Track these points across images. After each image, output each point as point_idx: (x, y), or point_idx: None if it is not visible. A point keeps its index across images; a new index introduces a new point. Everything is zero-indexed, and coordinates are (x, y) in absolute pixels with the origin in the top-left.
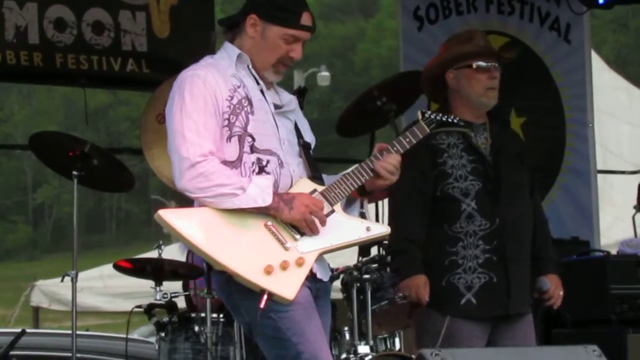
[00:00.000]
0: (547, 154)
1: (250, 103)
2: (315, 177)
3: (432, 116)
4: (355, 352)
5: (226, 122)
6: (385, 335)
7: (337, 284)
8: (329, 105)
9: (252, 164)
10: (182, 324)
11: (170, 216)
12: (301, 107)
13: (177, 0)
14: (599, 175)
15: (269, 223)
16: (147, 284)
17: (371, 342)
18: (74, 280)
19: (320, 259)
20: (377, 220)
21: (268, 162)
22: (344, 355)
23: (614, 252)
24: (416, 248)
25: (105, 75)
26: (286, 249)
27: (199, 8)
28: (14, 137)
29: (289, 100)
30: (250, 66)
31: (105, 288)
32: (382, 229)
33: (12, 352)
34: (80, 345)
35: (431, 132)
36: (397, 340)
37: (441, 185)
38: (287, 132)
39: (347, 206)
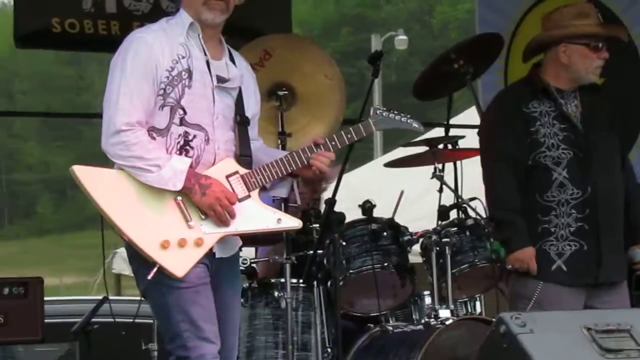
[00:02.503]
0: (626, 115)
1: (190, 76)
2: (244, 156)
3: (384, 114)
4: (436, 316)
5: (162, 92)
6: (466, 299)
7: (416, 247)
8: (406, 69)
9: (179, 136)
10: (262, 289)
11: (82, 173)
12: (377, 72)
13: None
14: None
15: (179, 199)
16: None
17: (452, 306)
18: None
19: (225, 237)
20: (455, 187)
21: (195, 136)
22: (424, 320)
23: None
24: (520, 217)
25: None
26: (189, 227)
27: None
28: (94, 106)
29: (236, 75)
30: (199, 35)
31: None
32: (293, 222)
33: (94, 319)
34: None
35: (378, 130)
36: (477, 304)
37: (533, 154)
38: (224, 106)
39: (278, 181)
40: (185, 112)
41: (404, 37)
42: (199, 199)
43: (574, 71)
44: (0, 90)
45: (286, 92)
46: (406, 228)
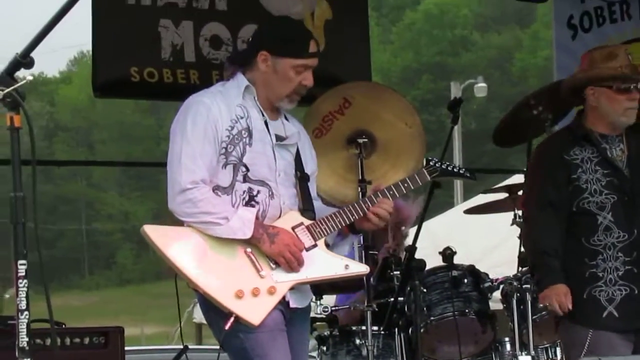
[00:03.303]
0: None
1: (250, 134)
2: (307, 210)
3: (437, 165)
4: None
5: (223, 151)
6: (547, 345)
7: (497, 294)
8: (486, 116)
9: (244, 192)
10: (343, 337)
11: (153, 232)
12: (457, 118)
13: (331, 15)
14: None
15: (249, 250)
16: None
17: (532, 352)
18: None
19: (298, 287)
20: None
21: (259, 192)
22: None
23: None
24: (553, 259)
25: None
26: (261, 276)
27: (353, 21)
28: None
29: (293, 132)
30: (255, 98)
31: None
32: (360, 268)
33: None
34: None
35: (432, 179)
36: (558, 350)
37: (577, 201)
38: (285, 163)
39: (339, 240)
40: (248, 169)
41: (483, 85)
42: (268, 247)
43: (604, 115)
44: (80, 140)
45: (366, 140)
46: (486, 275)
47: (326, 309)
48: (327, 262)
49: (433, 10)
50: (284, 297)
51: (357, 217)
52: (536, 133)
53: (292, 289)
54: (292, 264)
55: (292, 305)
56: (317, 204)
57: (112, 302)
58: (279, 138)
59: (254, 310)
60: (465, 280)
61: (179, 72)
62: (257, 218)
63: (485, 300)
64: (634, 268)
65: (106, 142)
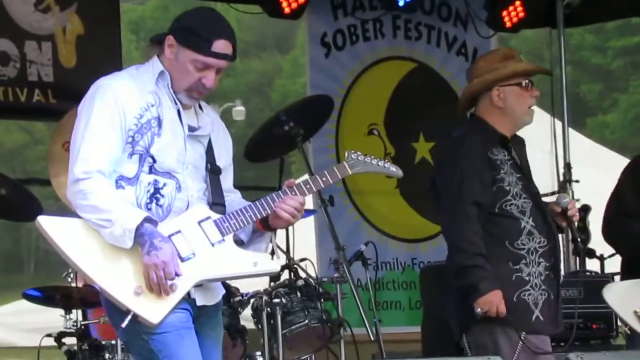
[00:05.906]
0: None
1: (160, 124)
2: (216, 204)
3: (359, 158)
4: None
5: (130, 139)
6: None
7: (248, 310)
8: (245, 140)
9: (149, 184)
10: (92, 351)
11: (48, 224)
12: None
13: (83, 30)
14: None
15: None
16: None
17: None
18: None
19: (205, 284)
20: (287, 248)
21: (165, 184)
22: None
23: None
24: (487, 262)
25: (12, 105)
26: None
27: (105, 38)
28: None
29: (206, 122)
30: (169, 85)
31: (19, 323)
32: (270, 265)
33: None
34: None
35: (353, 173)
36: None
37: (500, 202)
38: (196, 156)
39: (257, 236)
40: (154, 160)
41: (242, 108)
42: (143, 255)
43: (510, 114)
44: None
45: None
46: (237, 289)
47: (75, 324)
48: (235, 259)
49: None
50: (189, 295)
51: (268, 212)
52: (288, 149)
53: (198, 286)
54: (154, 285)
55: (199, 303)
56: (235, 196)
57: None
58: (191, 129)
59: (153, 309)
60: None
61: None
62: (151, 220)
63: (236, 314)
64: (551, 273)
65: None
